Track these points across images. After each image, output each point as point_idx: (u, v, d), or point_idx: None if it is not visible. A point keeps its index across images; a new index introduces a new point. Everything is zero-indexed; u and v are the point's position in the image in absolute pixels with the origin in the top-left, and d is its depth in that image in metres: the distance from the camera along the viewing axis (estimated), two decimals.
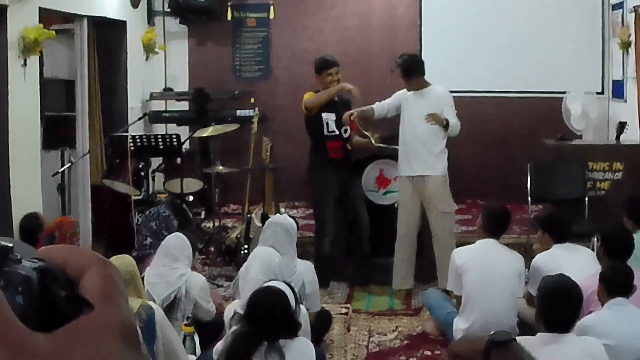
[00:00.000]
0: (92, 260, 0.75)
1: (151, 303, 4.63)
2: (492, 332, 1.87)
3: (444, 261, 6.56)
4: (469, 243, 6.20)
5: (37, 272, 0.70)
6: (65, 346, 0.68)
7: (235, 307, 4.83)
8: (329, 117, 7.25)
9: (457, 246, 6.41)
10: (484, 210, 6.20)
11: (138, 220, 7.48)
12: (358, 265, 7.48)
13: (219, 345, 4.25)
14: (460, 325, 5.69)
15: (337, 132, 7.27)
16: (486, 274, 5.66)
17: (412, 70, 7.06)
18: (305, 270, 5.66)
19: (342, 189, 7.28)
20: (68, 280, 0.72)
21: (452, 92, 7.20)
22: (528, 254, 6.68)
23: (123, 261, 4.63)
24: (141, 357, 0.73)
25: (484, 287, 5.62)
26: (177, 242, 5.59)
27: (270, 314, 4.00)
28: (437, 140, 7.00)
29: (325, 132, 7.27)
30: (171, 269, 5.45)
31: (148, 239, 6.96)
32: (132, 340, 0.72)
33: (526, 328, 5.37)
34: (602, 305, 4.47)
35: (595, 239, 7.10)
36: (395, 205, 7.30)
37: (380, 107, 7.24)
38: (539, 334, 4.06)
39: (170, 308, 5.31)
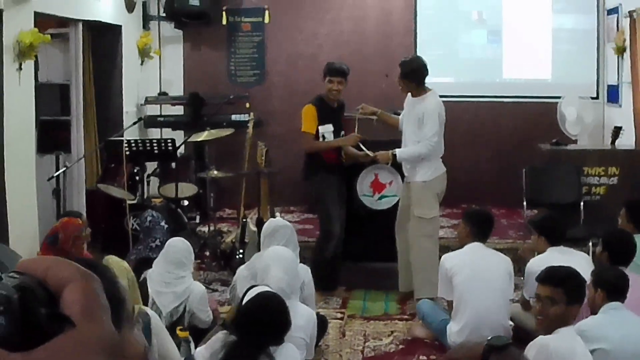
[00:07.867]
0: (73, 273, 0.74)
1: (147, 309, 4.61)
2: (490, 337, 1.86)
3: (423, 270, 6.58)
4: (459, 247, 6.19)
5: (17, 290, 0.69)
6: None
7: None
8: (325, 130, 7.12)
9: (447, 250, 6.42)
10: (466, 217, 6.20)
11: (133, 224, 7.47)
12: (327, 269, 7.23)
13: (202, 350, 4.21)
14: (453, 329, 5.68)
15: None
16: (476, 273, 5.68)
17: (404, 73, 6.91)
18: (305, 272, 5.64)
19: (338, 189, 7.22)
20: (49, 295, 0.72)
21: (447, 96, 7.14)
22: (522, 259, 6.68)
23: (121, 271, 4.61)
24: None
25: (475, 286, 5.63)
26: (183, 247, 5.55)
27: (272, 320, 3.98)
28: None
29: None
30: (178, 277, 5.42)
31: (157, 240, 6.96)
32: (116, 355, 0.72)
33: (523, 333, 5.38)
34: (591, 310, 4.47)
35: (591, 244, 7.11)
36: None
37: (401, 118, 7.15)
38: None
39: (177, 321, 5.29)
